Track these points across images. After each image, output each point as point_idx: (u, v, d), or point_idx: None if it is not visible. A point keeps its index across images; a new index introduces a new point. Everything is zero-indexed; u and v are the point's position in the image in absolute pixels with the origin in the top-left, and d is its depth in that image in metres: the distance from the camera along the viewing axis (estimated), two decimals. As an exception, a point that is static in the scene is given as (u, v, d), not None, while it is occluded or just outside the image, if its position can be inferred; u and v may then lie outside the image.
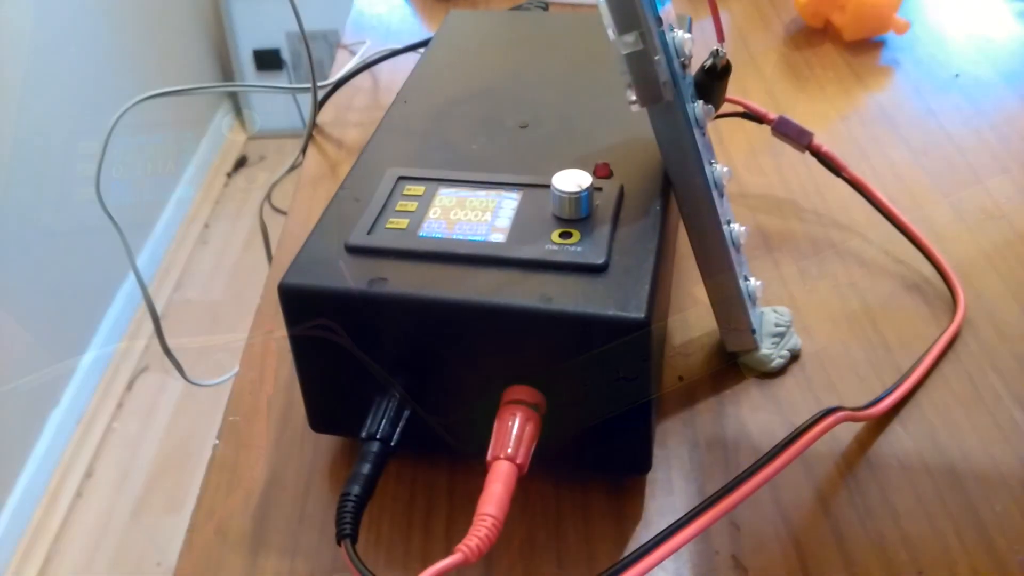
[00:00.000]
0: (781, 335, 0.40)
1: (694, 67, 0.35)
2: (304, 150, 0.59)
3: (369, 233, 0.34)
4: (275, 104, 2.22)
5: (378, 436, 0.31)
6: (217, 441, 0.39)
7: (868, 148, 0.54)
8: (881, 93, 0.60)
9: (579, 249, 0.32)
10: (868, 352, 0.40)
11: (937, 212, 0.48)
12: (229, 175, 2.14)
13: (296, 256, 0.33)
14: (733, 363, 0.40)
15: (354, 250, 0.33)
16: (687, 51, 0.33)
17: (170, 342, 0.66)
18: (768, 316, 0.40)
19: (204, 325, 1.72)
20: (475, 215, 0.34)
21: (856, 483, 0.35)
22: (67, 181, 1.48)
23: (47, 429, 1.39)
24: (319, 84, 0.58)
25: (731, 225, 0.37)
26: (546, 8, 0.57)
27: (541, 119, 0.41)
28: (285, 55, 2.16)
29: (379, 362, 0.33)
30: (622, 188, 0.35)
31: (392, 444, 0.31)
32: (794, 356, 0.40)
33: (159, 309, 1.74)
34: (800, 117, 0.54)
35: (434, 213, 0.35)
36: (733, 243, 0.37)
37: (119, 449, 1.48)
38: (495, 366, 0.32)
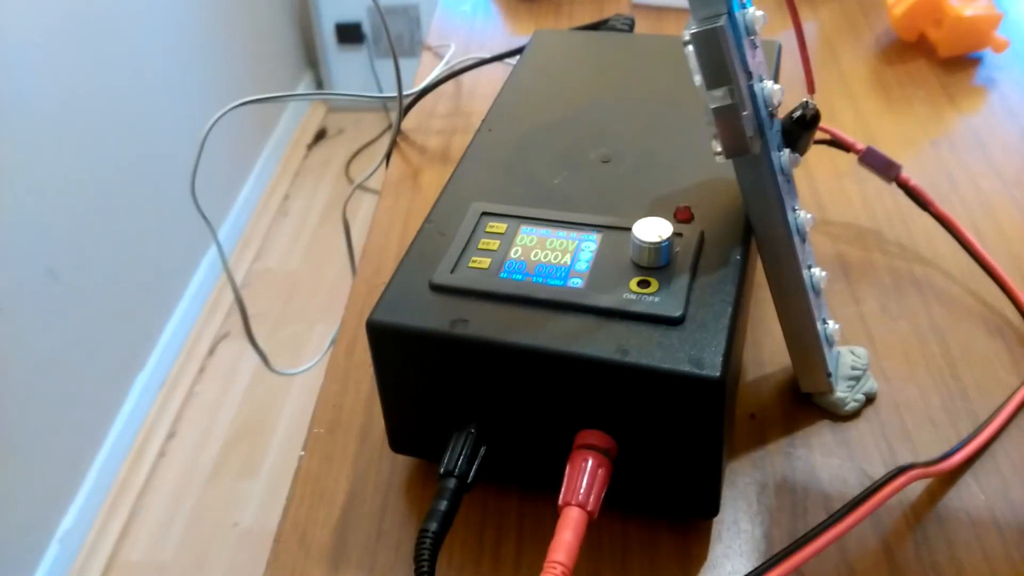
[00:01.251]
0: (857, 378, 0.40)
1: (783, 108, 0.35)
2: (388, 156, 0.61)
3: (452, 272, 0.35)
4: (355, 76, 2.26)
5: (455, 474, 0.32)
6: (303, 452, 0.41)
7: (957, 176, 0.53)
8: (974, 115, 0.58)
9: (656, 299, 0.32)
10: (945, 398, 0.40)
11: (1027, 249, 0.47)
12: (309, 147, 2.18)
13: (383, 292, 0.35)
14: (807, 402, 0.40)
15: (438, 288, 0.34)
16: (776, 101, 0.34)
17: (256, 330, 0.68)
18: (845, 358, 0.40)
19: (283, 293, 1.77)
20: (555, 256, 0.35)
21: (924, 537, 0.35)
22: (160, 158, 1.54)
23: (133, 391, 1.46)
24: (404, 93, 0.59)
25: (811, 270, 0.37)
26: (631, 27, 0.57)
27: (623, 153, 0.41)
28: (366, 28, 2.19)
29: (458, 398, 0.34)
30: (702, 234, 0.35)
31: (468, 482, 0.32)
32: (869, 399, 0.40)
33: (239, 278, 1.80)
34: (888, 138, 0.53)
35: (515, 252, 0.36)
36: (813, 288, 0.37)
37: (200, 412, 1.55)
38: (569, 410, 0.33)
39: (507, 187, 0.40)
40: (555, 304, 0.33)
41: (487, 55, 0.65)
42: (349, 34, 2.19)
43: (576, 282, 0.34)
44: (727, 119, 0.32)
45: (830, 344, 0.39)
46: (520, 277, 0.34)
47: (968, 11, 0.60)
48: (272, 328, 1.70)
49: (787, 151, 0.35)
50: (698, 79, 0.32)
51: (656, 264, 0.34)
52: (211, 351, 1.66)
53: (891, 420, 0.39)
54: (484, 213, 0.38)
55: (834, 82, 0.63)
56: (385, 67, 2.23)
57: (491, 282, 0.34)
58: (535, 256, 0.35)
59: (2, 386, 1.13)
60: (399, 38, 2.19)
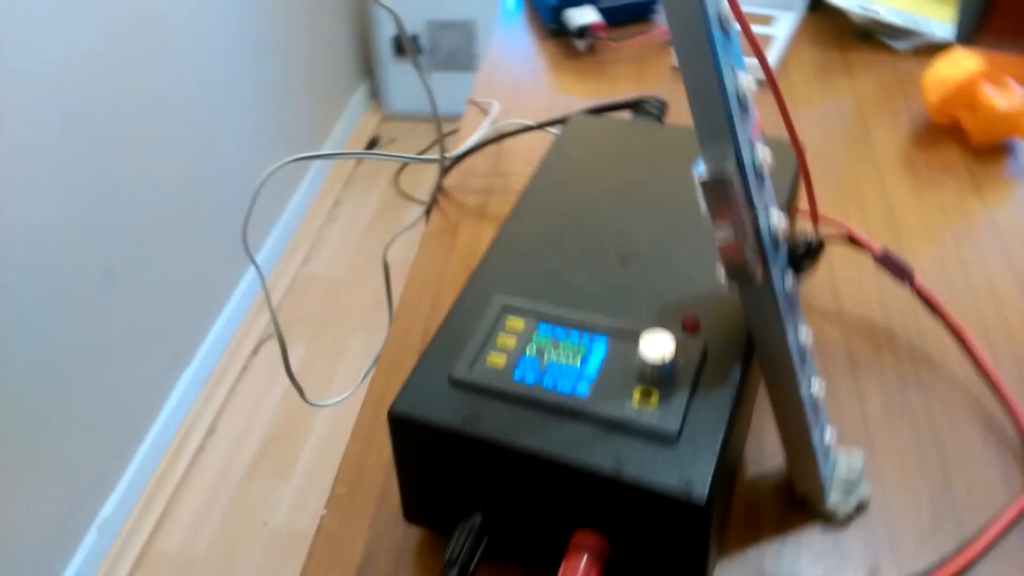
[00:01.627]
0: (852, 484, 0.42)
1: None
2: (428, 211, 0.64)
3: (471, 367, 0.37)
4: (409, 89, 2.30)
5: (458, 564, 0.35)
6: (325, 511, 0.44)
7: (975, 275, 0.54)
8: (1000, 210, 0.59)
9: (655, 415, 0.35)
10: (936, 508, 0.42)
11: (1036, 357, 0.49)
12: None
13: (407, 382, 0.37)
14: (801, 504, 0.42)
15: (456, 383, 0.37)
16: (782, 231, 0.36)
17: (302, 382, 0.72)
18: (841, 463, 0.42)
19: (327, 298, 1.82)
20: (567, 358, 0.38)
21: (900, 649, 0.37)
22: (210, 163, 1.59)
23: (178, 387, 1.52)
24: (446, 156, 0.62)
25: (811, 385, 0.39)
26: (662, 111, 0.59)
27: (643, 253, 0.43)
28: (423, 42, 2.23)
29: (467, 488, 0.37)
30: (705, 349, 0.38)
31: (470, 572, 0.35)
32: (861, 507, 0.42)
33: (286, 281, 1.85)
34: (911, 228, 0.55)
35: (530, 350, 0.38)
36: (812, 401, 0.39)
37: (240, 411, 1.60)
38: (568, 510, 0.35)
39: (530, 279, 0.42)
40: (561, 410, 0.36)
41: (529, 117, 0.67)
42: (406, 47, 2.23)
43: (584, 388, 0.36)
44: (730, 252, 0.34)
45: (826, 455, 0.40)
46: (532, 379, 0.37)
47: (1002, 103, 0.61)
48: (314, 332, 1.75)
49: (791, 274, 0.37)
50: (703, 209, 0.34)
51: (659, 378, 0.36)
52: (255, 351, 1.72)
53: (880, 528, 0.41)
54: (505, 307, 0.40)
55: (864, 160, 0.64)
56: (438, 81, 2.26)
57: (505, 383, 0.37)
58: (548, 356, 0.38)
59: (55, 376, 1.19)
60: (454, 53, 2.23)
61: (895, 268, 0.48)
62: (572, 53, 0.80)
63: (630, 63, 0.78)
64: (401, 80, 2.30)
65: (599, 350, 0.38)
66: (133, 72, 1.32)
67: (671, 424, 0.34)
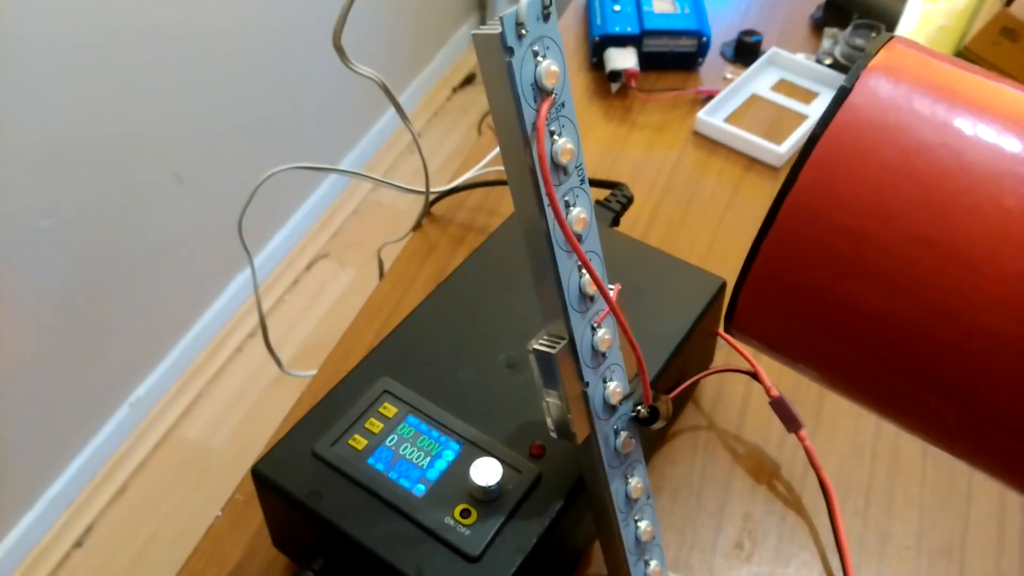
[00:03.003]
0: (666, 614, 0.45)
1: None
2: (415, 228, 0.68)
3: (333, 445, 0.42)
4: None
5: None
6: (220, 513, 0.51)
7: (881, 446, 0.55)
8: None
9: (467, 533, 0.39)
10: (741, 655, 0.45)
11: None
12: (455, 90, 2.26)
13: (275, 445, 0.43)
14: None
15: (316, 456, 0.42)
16: (615, 401, 0.38)
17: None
18: (664, 591, 0.46)
19: (386, 225, 1.89)
20: (418, 457, 0.42)
21: None
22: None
23: (229, 289, 1.63)
24: (431, 190, 0.66)
25: (637, 528, 0.42)
26: (622, 211, 0.60)
27: (527, 362, 0.47)
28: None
29: (311, 541, 0.42)
30: (538, 477, 0.41)
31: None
32: (670, 635, 0.45)
33: (357, 200, 1.93)
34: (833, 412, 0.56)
35: (390, 441, 0.43)
36: (634, 540, 0.42)
37: (284, 320, 1.70)
38: (377, 592, 0.40)
39: (420, 367, 0.46)
40: (393, 506, 0.40)
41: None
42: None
43: (420, 489, 0.41)
44: (555, 415, 0.37)
45: (645, 589, 0.44)
46: (382, 467, 0.42)
47: None
48: (367, 256, 1.82)
49: (624, 435, 0.40)
50: (536, 374, 0.37)
51: (482, 499, 0.40)
52: (309, 267, 1.81)
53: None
54: (386, 391, 0.45)
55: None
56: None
57: (356, 467, 0.42)
58: (403, 451, 0.42)
59: (123, 260, 1.30)
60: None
61: (785, 415, 0.50)
62: (604, 89, 0.81)
63: (655, 114, 0.79)
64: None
65: (448, 456, 0.42)
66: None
67: (475, 546, 0.39)
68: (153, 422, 1.48)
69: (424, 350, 0.47)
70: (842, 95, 0.23)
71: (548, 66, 0.31)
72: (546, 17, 0.31)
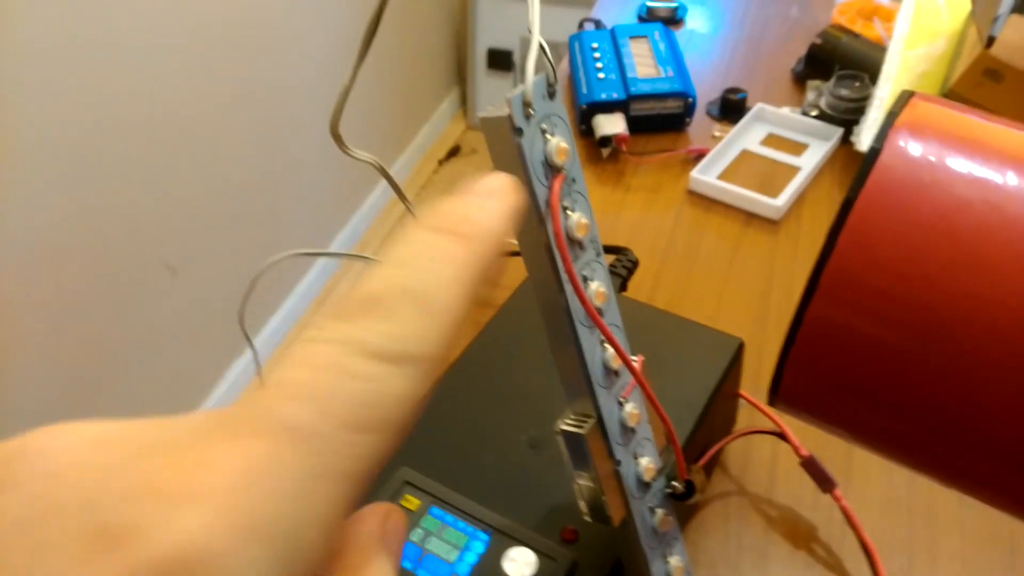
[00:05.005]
0: None
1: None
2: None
3: (356, 544, 0.41)
4: (498, 100, 2.33)
5: None
6: None
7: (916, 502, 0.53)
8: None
9: (503, 630, 0.37)
10: None
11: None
12: (441, 162, 2.28)
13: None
14: None
15: (339, 558, 0.40)
16: (648, 478, 0.37)
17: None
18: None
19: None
20: (444, 551, 0.40)
21: None
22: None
23: (229, 375, 1.60)
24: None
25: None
26: (628, 276, 0.59)
27: (552, 441, 0.45)
28: (516, 58, 2.25)
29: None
30: (574, 565, 0.40)
31: None
32: None
33: (351, 282, 1.92)
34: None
35: (416, 535, 0.41)
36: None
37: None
38: None
39: (439, 454, 0.45)
40: (422, 606, 0.38)
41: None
42: (499, 60, 2.26)
43: (449, 586, 0.39)
44: (588, 497, 0.36)
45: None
46: (409, 566, 0.40)
47: None
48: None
49: (661, 513, 0.38)
50: (565, 456, 0.36)
51: (517, 591, 0.38)
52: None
53: None
54: (406, 482, 0.43)
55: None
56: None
57: (381, 566, 0.40)
58: (429, 545, 0.40)
59: (113, 355, 1.28)
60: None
61: (818, 475, 0.49)
62: (596, 155, 0.81)
63: (648, 176, 0.79)
64: (492, 92, 2.33)
65: (478, 547, 0.40)
66: (215, 72, 1.39)
67: (513, 645, 0.37)
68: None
69: (441, 436, 0.46)
70: (872, 156, 0.23)
71: (558, 143, 0.31)
72: (551, 95, 0.31)
